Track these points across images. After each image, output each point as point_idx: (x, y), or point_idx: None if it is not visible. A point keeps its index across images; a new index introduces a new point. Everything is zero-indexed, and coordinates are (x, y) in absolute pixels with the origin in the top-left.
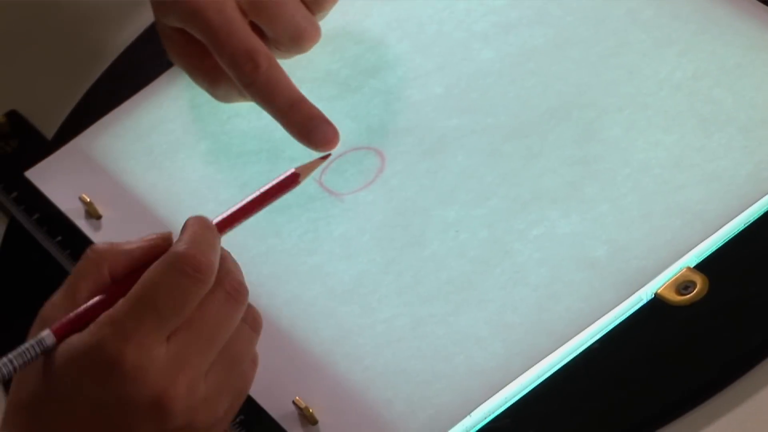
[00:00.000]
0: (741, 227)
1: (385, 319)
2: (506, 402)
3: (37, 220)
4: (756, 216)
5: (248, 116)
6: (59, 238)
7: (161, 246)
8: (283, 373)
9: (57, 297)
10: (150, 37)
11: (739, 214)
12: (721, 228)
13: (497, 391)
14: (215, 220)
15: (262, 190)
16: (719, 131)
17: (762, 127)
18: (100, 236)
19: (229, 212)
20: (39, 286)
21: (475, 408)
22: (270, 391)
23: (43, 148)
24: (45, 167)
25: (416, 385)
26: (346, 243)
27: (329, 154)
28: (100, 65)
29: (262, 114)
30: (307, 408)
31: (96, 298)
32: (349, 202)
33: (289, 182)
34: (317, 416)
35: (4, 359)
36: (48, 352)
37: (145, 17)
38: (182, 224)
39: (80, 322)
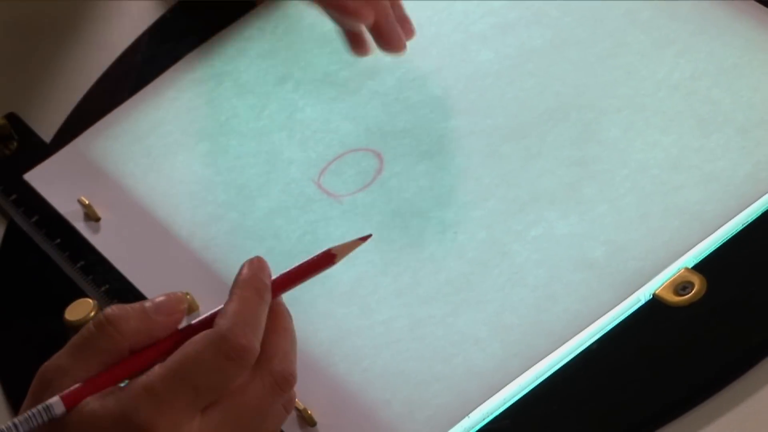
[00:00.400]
0: (739, 228)
1: (384, 321)
2: (505, 403)
3: (36, 223)
4: (754, 216)
5: (246, 118)
6: (58, 240)
7: (178, 318)
8: None
9: (63, 359)
10: (148, 39)
11: (737, 214)
12: (719, 228)
13: (496, 392)
14: None
15: (292, 270)
16: (717, 132)
17: (760, 128)
18: (98, 238)
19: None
20: (38, 289)
21: (474, 409)
22: None
23: (41, 150)
24: (44, 170)
25: (415, 386)
26: None
27: (371, 235)
28: (98, 68)
29: (260, 115)
30: (305, 409)
31: (110, 366)
32: (348, 203)
33: (324, 263)
34: (316, 417)
35: (9, 424)
36: (55, 421)
37: (144, 19)
38: (181, 226)
39: (93, 390)
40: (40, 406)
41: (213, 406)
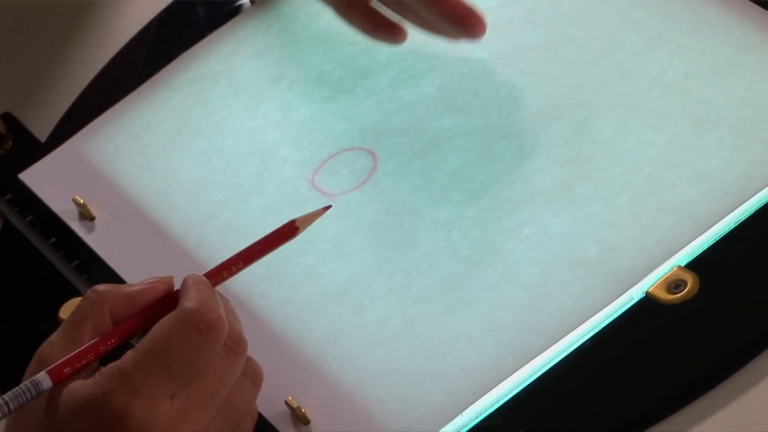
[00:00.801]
0: (732, 226)
1: (378, 319)
2: (498, 401)
3: (31, 222)
4: (747, 215)
5: (241, 117)
6: (53, 239)
7: (163, 290)
8: (276, 373)
9: (56, 337)
10: (143, 38)
11: (729, 213)
12: (711, 227)
13: (489, 390)
14: (210, 270)
15: (259, 240)
16: (710, 130)
17: (753, 127)
18: (93, 238)
19: (223, 262)
20: (33, 288)
21: (467, 407)
22: (262, 391)
23: (36, 150)
24: (38, 169)
25: (408, 384)
26: (338, 243)
27: (330, 206)
28: (94, 67)
29: (255, 114)
30: (299, 408)
31: (92, 341)
32: (342, 202)
33: (288, 233)
34: (309, 416)
35: None
36: (44, 395)
37: (138, 19)
38: (175, 225)
39: (76, 364)
40: (28, 382)
41: (182, 386)
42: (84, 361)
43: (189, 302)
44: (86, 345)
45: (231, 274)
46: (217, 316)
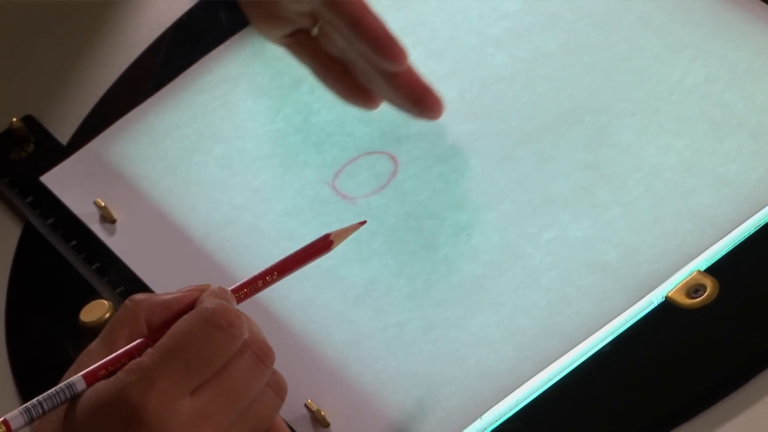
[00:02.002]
0: (751, 231)
1: (398, 323)
2: (517, 405)
3: (52, 225)
4: (766, 220)
5: (262, 120)
6: (74, 242)
7: (198, 297)
8: (296, 375)
9: (94, 345)
10: (164, 42)
11: (749, 217)
12: (731, 232)
13: (508, 394)
14: (238, 285)
15: (294, 252)
16: (730, 135)
17: None
18: (114, 241)
19: (250, 280)
20: (54, 290)
21: (486, 411)
22: None
23: (58, 152)
24: (60, 172)
25: (427, 388)
26: (358, 247)
27: (365, 221)
28: (115, 70)
29: (276, 118)
30: (318, 411)
31: (127, 346)
32: (362, 206)
33: (323, 247)
34: (329, 419)
35: (34, 401)
36: (76, 398)
37: (160, 22)
38: (196, 228)
39: (111, 367)
40: (63, 384)
41: (204, 385)
42: (119, 365)
43: (208, 303)
44: (121, 350)
45: (266, 284)
46: (236, 315)
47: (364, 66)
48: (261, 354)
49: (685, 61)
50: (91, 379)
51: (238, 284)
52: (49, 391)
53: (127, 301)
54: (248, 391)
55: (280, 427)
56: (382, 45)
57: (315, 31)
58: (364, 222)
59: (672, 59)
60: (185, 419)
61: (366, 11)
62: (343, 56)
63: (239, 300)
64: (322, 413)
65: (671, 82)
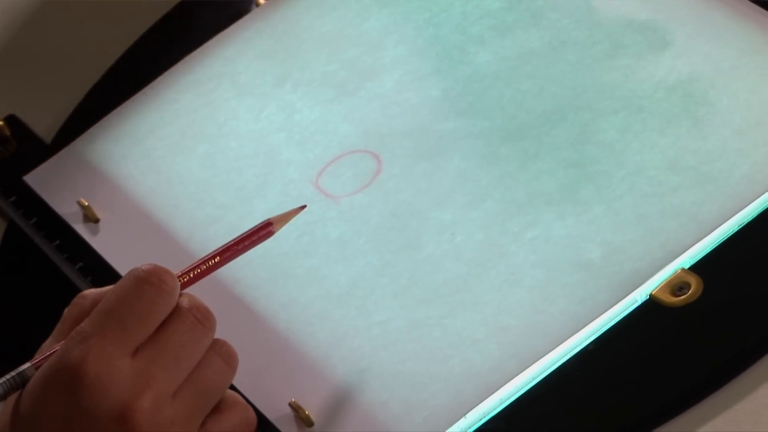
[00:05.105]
0: (735, 229)
1: (381, 322)
2: (501, 404)
3: (36, 224)
4: (750, 218)
5: (245, 119)
6: (57, 241)
7: None
8: (280, 375)
9: (47, 342)
10: (148, 40)
11: (733, 215)
12: (715, 229)
13: (492, 393)
14: (182, 271)
15: (234, 241)
16: (714, 133)
17: (756, 130)
18: (98, 240)
19: (194, 264)
20: (37, 290)
21: (471, 410)
22: (266, 393)
23: (41, 152)
24: (43, 171)
25: (412, 387)
26: (342, 246)
27: (305, 206)
28: (97, 70)
29: (259, 116)
30: (303, 410)
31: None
32: (346, 204)
33: (263, 233)
34: (313, 418)
35: None
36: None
37: (143, 21)
38: (180, 228)
39: None
40: (13, 372)
41: (143, 347)
42: None
43: (141, 266)
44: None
45: (209, 269)
46: (167, 272)
47: None
48: (200, 316)
49: (669, 58)
50: (40, 366)
51: (180, 271)
52: (0, 379)
53: (76, 298)
54: (189, 353)
55: (235, 400)
56: None
57: None
58: (304, 206)
59: (656, 57)
60: (127, 380)
61: None
62: None
63: (183, 286)
64: (306, 412)
65: (655, 79)
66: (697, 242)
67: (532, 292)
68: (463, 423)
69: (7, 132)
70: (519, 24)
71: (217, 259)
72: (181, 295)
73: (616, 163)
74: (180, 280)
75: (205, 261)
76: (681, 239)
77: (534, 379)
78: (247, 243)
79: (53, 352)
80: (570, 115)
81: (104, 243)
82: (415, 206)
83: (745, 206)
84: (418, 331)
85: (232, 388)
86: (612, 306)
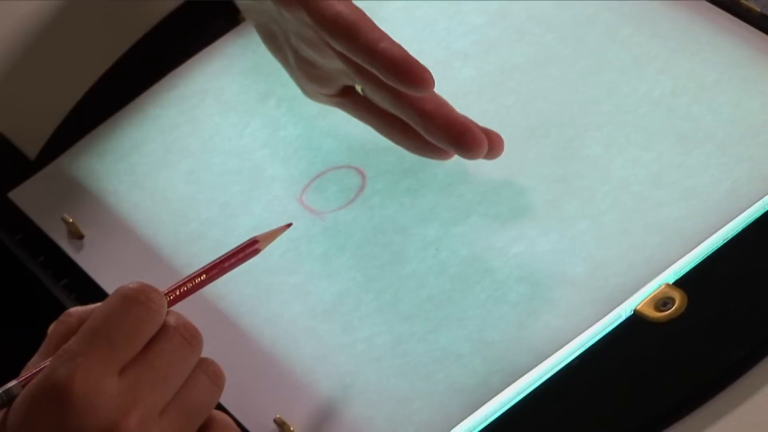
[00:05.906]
0: (719, 243)
1: (366, 338)
2: (486, 419)
3: (20, 241)
4: (734, 232)
5: (229, 135)
6: (42, 258)
7: None
8: (264, 390)
9: (32, 360)
10: (131, 57)
11: (717, 230)
12: (699, 244)
13: (477, 409)
14: (169, 288)
15: (220, 259)
16: (698, 148)
17: (740, 144)
18: (82, 256)
19: (180, 282)
20: (22, 307)
21: (455, 425)
22: (250, 409)
23: (25, 168)
24: (27, 188)
25: (397, 402)
26: (326, 262)
27: (291, 224)
28: (82, 86)
29: (243, 132)
30: (287, 426)
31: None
32: (330, 220)
33: (250, 251)
34: None
35: None
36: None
37: (128, 37)
38: (164, 244)
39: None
40: (0, 389)
41: (130, 365)
42: None
43: (128, 284)
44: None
45: (195, 287)
46: (155, 291)
47: (402, 110)
48: (187, 335)
49: (653, 73)
50: (27, 381)
51: (166, 289)
52: None
53: (62, 316)
54: (177, 371)
55: (220, 419)
56: (400, 67)
57: (359, 88)
58: (290, 224)
59: (639, 72)
60: (114, 398)
61: (378, 39)
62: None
63: (169, 304)
64: (291, 428)
65: (639, 95)
66: (681, 257)
67: (517, 308)
68: None
69: None
70: (502, 40)
71: (204, 276)
72: (167, 313)
73: (600, 178)
74: (166, 298)
75: (191, 279)
76: (665, 254)
77: (519, 394)
78: (233, 261)
79: (40, 370)
80: (554, 131)
81: (89, 259)
82: (400, 222)
83: (729, 221)
84: (403, 346)
85: (217, 404)
86: (596, 321)
